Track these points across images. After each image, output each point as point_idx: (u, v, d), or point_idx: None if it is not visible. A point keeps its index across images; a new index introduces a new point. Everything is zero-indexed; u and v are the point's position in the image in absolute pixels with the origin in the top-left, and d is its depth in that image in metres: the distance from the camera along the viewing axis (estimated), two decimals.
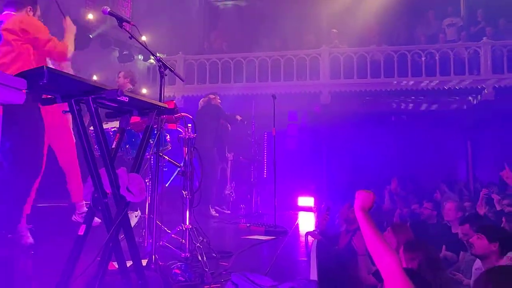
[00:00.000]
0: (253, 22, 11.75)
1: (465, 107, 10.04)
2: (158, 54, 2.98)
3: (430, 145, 9.65)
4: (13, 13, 2.88)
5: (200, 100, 6.30)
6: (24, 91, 1.50)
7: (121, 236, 2.03)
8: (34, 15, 2.95)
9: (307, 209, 7.86)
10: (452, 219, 4.44)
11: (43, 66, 1.55)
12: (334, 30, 10.40)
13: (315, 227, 4.79)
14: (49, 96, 1.86)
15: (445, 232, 4.45)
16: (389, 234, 3.30)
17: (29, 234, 2.92)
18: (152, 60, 9.52)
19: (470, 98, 9.69)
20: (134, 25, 2.59)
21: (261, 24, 11.45)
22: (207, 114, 5.97)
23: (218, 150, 6.19)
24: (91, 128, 2.75)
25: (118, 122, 3.04)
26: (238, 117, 6.50)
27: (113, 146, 2.06)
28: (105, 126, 2.76)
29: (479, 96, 9.44)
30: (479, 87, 9.15)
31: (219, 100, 6.29)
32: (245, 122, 6.68)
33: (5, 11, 2.92)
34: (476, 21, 10.10)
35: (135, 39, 2.52)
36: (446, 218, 4.57)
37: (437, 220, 5.00)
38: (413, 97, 9.98)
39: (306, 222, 6.26)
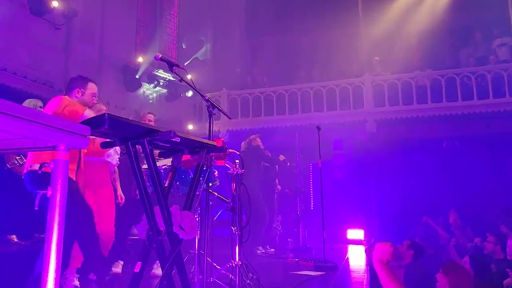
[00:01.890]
0: (293, 56, 11.97)
1: None
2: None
3: (487, 172, 9.07)
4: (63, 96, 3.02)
5: (242, 143, 6.31)
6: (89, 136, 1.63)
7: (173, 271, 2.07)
8: (83, 95, 3.04)
9: (357, 242, 7.58)
10: None
11: (104, 114, 1.67)
12: (376, 58, 10.34)
13: (366, 263, 4.60)
14: (109, 140, 1.99)
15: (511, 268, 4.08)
16: (440, 276, 3.09)
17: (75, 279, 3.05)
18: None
19: None
20: (183, 68, 2.74)
21: (300, 57, 11.65)
22: (248, 156, 5.88)
23: (264, 189, 6.09)
24: (144, 166, 2.89)
25: (167, 160, 3.18)
26: (281, 157, 6.41)
27: (166, 185, 2.14)
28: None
29: None
30: None
31: (259, 141, 6.24)
32: (288, 163, 6.59)
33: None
34: None
35: (185, 81, 2.66)
36: (510, 257, 4.18)
37: (504, 255, 4.59)
38: (464, 122, 9.55)
39: (357, 256, 6.02)
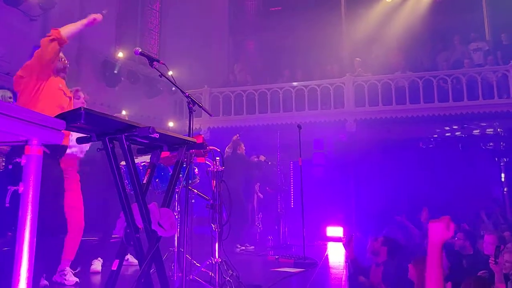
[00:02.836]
0: (276, 54, 12.00)
1: (495, 130, 9.73)
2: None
3: (461, 171, 9.33)
4: None
5: (226, 147, 6.28)
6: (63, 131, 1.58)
7: (152, 270, 2.04)
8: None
9: (336, 239, 7.68)
10: (492, 252, 4.19)
11: (80, 108, 1.63)
12: (358, 59, 10.46)
13: (345, 259, 4.66)
14: (85, 135, 1.94)
15: (484, 264, 4.20)
16: (412, 266, 3.17)
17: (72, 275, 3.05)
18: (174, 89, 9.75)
19: (496, 123, 9.40)
20: (163, 64, 2.70)
21: (283, 56, 11.68)
22: (234, 164, 5.85)
23: (245, 193, 6.15)
24: (122, 163, 2.83)
25: (146, 157, 3.13)
26: (262, 158, 6.46)
27: (144, 181, 2.11)
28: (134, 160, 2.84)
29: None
30: (510, 110, 8.89)
31: (243, 148, 6.28)
32: (269, 163, 6.63)
33: None
34: (502, 45, 9.95)
35: (166, 77, 2.63)
36: (486, 252, 4.31)
37: (473, 250, 4.74)
38: (440, 123, 9.79)
39: (336, 253, 6.09)
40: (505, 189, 9.44)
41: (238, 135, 6.43)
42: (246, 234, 6.41)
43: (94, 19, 2.91)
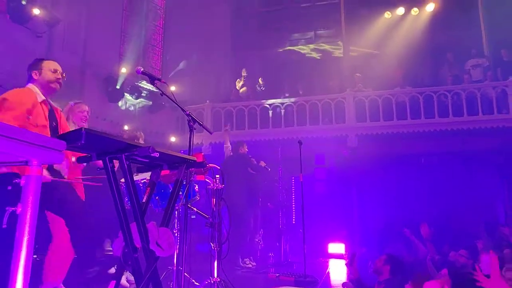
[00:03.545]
0: (277, 70, 12.10)
1: (497, 146, 9.71)
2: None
3: (464, 187, 9.28)
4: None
5: (227, 149, 6.32)
6: (64, 151, 1.59)
7: None
8: (41, 74, 2.81)
9: (338, 256, 7.60)
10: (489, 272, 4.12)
11: (81, 128, 1.65)
12: (358, 74, 10.53)
13: (347, 278, 4.60)
14: (85, 155, 1.95)
15: None
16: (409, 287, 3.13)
17: None
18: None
19: (498, 138, 9.39)
20: (164, 82, 2.73)
21: (284, 71, 11.78)
22: (235, 163, 5.96)
23: (249, 197, 6.13)
24: (122, 180, 2.82)
25: (147, 174, 3.14)
26: (262, 163, 6.49)
27: (144, 200, 2.11)
28: (134, 178, 2.84)
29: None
30: (510, 125, 8.90)
31: (246, 149, 6.32)
32: (269, 169, 6.64)
33: None
34: (502, 61, 10.01)
35: (166, 95, 2.65)
36: (485, 272, 4.24)
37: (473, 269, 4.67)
38: (441, 138, 9.78)
39: (337, 271, 6.02)
40: (507, 205, 9.37)
41: (227, 125, 6.44)
42: (249, 246, 6.37)
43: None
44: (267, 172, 6.66)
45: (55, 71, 2.89)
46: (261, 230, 6.83)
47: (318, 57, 11.29)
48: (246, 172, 6.01)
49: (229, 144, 6.47)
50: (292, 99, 10.24)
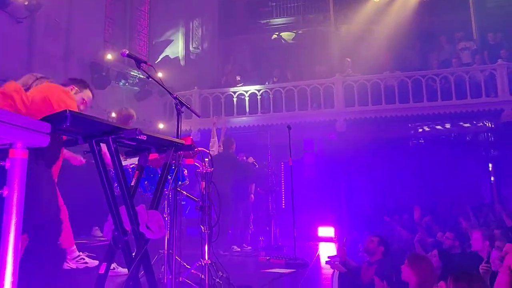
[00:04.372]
0: (265, 55, 12.03)
1: (484, 129, 9.88)
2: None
3: (451, 169, 9.45)
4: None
5: (214, 144, 6.22)
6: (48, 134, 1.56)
7: (141, 272, 2.03)
8: (75, 94, 2.85)
9: (327, 239, 7.71)
10: (481, 248, 4.23)
11: (66, 110, 1.62)
12: (347, 59, 10.53)
13: (331, 257, 4.68)
14: (71, 138, 1.93)
15: (474, 262, 4.25)
16: (406, 268, 3.20)
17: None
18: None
19: (486, 121, 9.55)
20: (151, 66, 2.68)
21: (273, 57, 11.72)
22: (224, 163, 5.76)
23: (238, 193, 6.09)
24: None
25: (136, 159, 3.11)
26: (251, 159, 6.42)
27: (132, 184, 2.10)
28: (123, 163, 2.82)
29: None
30: (498, 108, 9.03)
31: (234, 147, 6.25)
32: (256, 166, 6.57)
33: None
34: (489, 45, 10.10)
35: (154, 79, 2.61)
36: (474, 248, 4.36)
37: (461, 249, 4.79)
38: (429, 122, 9.89)
39: (327, 253, 6.12)
40: (492, 179, 9.55)
41: (215, 117, 6.36)
42: (242, 235, 6.41)
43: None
44: (254, 167, 6.58)
45: (84, 102, 2.92)
46: (252, 215, 6.87)
47: (307, 42, 11.23)
48: (234, 173, 5.93)
49: (216, 138, 6.37)
50: (281, 84, 10.21)
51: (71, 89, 2.84)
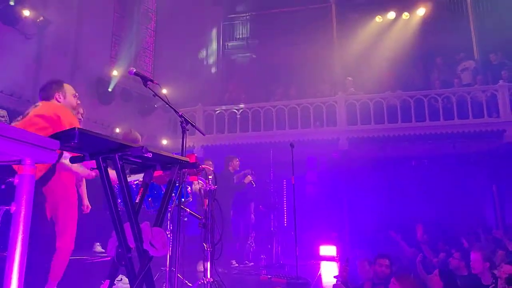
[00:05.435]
0: (269, 73, 12.15)
1: (486, 149, 9.85)
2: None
3: (454, 190, 9.39)
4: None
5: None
6: (58, 151, 1.59)
7: None
8: (65, 98, 2.88)
9: (329, 258, 7.63)
10: (480, 270, 4.16)
11: (74, 128, 1.65)
12: (349, 78, 10.62)
13: (336, 278, 4.64)
14: (78, 155, 1.95)
15: (475, 285, 4.19)
16: (395, 286, 3.19)
17: None
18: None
19: (489, 142, 9.53)
20: (157, 84, 2.73)
21: (276, 74, 11.83)
22: (221, 180, 5.77)
23: (237, 208, 6.07)
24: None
25: (139, 175, 3.13)
26: (248, 178, 6.22)
27: (137, 201, 2.11)
28: (128, 179, 2.83)
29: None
30: (500, 129, 9.04)
31: (236, 164, 6.23)
32: (254, 185, 6.39)
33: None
34: (491, 65, 10.18)
35: (159, 97, 2.66)
36: (474, 271, 4.29)
37: (468, 271, 4.71)
38: (431, 141, 9.89)
39: (329, 272, 6.05)
40: (497, 208, 9.49)
41: (236, 158, 6.30)
42: (243, 251, 6.36)
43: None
44: (252, 186, 6.47)
45: (75, 96, 2.95)
46: (253, 232, 6.83)
47: (310, 61, 11.35)
48: (231, 189, 5.93)
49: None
50: (284, 102, 10.28)
51: (59, 97, 2.84)
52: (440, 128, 9.29)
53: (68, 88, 2.94)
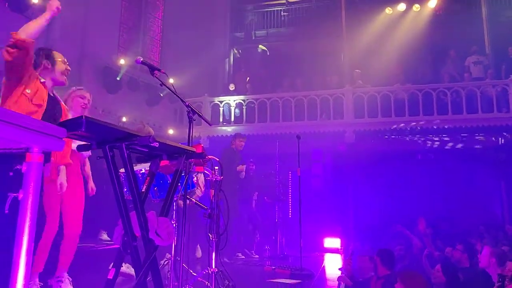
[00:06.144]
0: (276, 64, 12.08)
1: (495, 144, 9.75)
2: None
3: (460, 184, 9.32)
4: None
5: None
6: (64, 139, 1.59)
7: (148, 278, 2.04)
8: (54, 65, 2.75)
9: (333, 250, 7.65)
10: (486, 265, 4.17)
11: (82, 116, 1.64)
12: (357, 71, 10.52)
13: (341, 270, 4.65)
14: (85, 143, 1.95)
15: (479, 278, 4.18)
16: (399, 285, 3.17)
17: (69, 283, 3.00)
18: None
19: (498, 137, 9.43)
20: (164, 73, 2.72)
21: (284, 66, 11.76)
22: (222, 154, 5.73)
23: (242, 195, 6.04)
24: (121, 170, 2.82)
25: (146, 164, 3.14)
26: (240, 167, 6.06)
27: (143, 190, 2.12)
28: (134, 168, 2.84)
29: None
30: (510, 124, 8.93)
31: (239, 143, 6.11)
32: (243, 177, 6.16)
33: None
34: (503, 59, 10.01)
35: (166, 86, 2.64)
36: (481, 265, 4.30)
37: (470, 263, 4.71)
38: (439, 135, 9.80)
39: (333, 265, 6.06)
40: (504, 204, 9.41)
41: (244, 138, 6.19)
42: (249, 241, 6.38)
43: (57, 8, 2.75)
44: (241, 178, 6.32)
45: (65, 62, 2.83)
46: (251, 225, 6.83)
47: (318, 52, 11.26)
48: (232, 167, 5.83)
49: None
50: (291, 94, 10.23)
51: (47, 64, 2.71)
52: (448, 122, 9.20)
53: (57, 55, 2.82)
